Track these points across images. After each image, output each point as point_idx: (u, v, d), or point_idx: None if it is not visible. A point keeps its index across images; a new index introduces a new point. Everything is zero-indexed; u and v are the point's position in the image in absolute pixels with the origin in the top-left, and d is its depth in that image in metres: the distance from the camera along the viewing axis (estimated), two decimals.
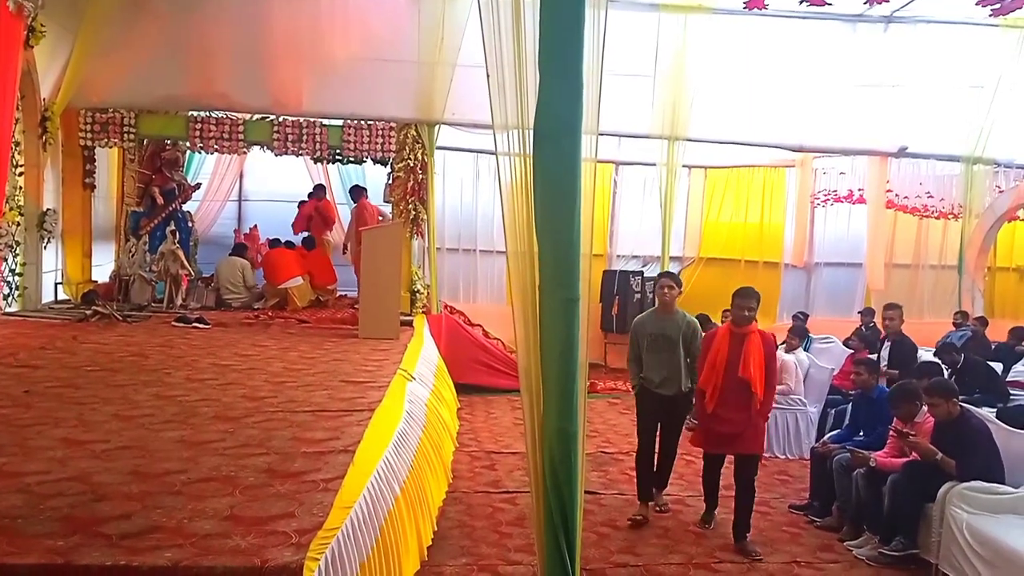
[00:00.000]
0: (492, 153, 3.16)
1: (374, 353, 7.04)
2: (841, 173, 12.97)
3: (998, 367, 8.75)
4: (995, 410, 7.21)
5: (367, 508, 3.31)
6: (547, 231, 2.94)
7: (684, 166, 11.86)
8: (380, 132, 9.95)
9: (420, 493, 4.47)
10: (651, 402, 5.86)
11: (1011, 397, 8.05)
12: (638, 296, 12.19)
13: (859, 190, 12.76)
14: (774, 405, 7.70)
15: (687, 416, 6.31)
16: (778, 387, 7.82)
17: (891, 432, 5.61)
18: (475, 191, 12.38)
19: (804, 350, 9.51)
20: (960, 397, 5.41)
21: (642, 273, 12.48)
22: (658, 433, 6.01)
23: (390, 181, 10.45)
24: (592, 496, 6.27)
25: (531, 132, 2.96)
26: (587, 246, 3.07)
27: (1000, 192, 12.17)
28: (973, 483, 4.90)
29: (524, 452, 3.40)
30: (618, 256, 13.16)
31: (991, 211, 11.97)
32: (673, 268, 12.74)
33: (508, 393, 9.70)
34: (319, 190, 12.21)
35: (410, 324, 8.92)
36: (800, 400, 8.03)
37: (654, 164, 11.36)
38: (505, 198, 3.10)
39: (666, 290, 5.76)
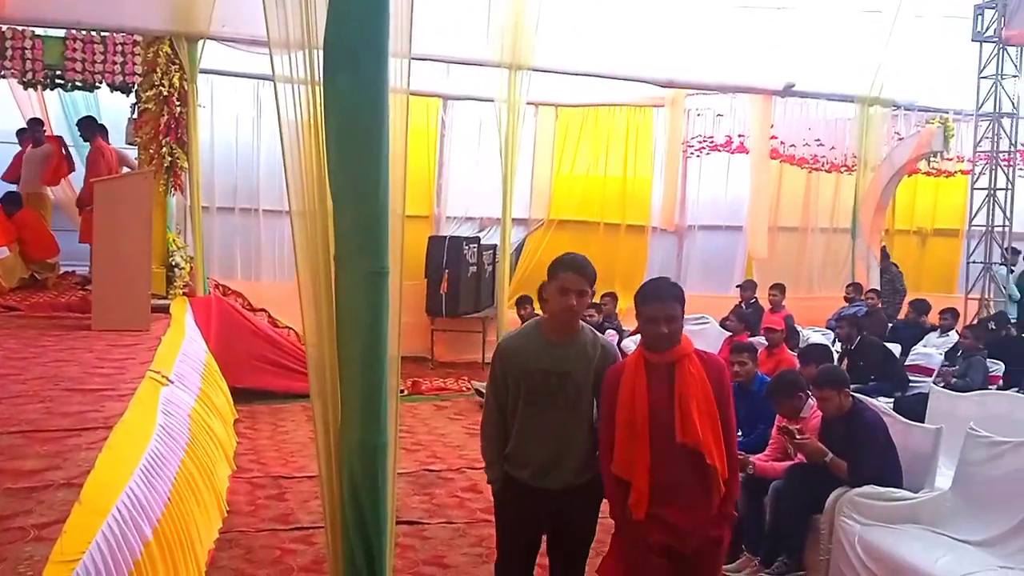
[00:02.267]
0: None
1: (113, 350, 6.75)
2: (718, 115, 13.64)
3: (896, 349, 9.59)
4: (892, 400, 7.94)
5: (101, 561, 3.15)
6: (344, 183, 2.90)
7: (529, 103, 12.06)
8: (120, 48, 9.45)
9: (182, 535, 4.33)
10: (527, 507, 4.01)
11: (910, 384, 8.86)
12: (474, 269, 12.34)
13: (739, 136, 13.49)
14: None
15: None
16: None
17: (774, 431, 5.99)
18: (256, 131, 12.01)
19: None
20: (852, 386, 5.85)
21: (478, 240, 12.64)
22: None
23: (135, 115, 9.98)
24: (412, 527, 6.30)
25: (320, 52, 2.91)
26: (399, 203, 3.06)
27: (899, 140, 13.28)
28: (866, 488, 5.31)
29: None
30: (448, 218, 13.25)
31: (889, 162, 13.04)
32: (518, 233, 13.01)
33: (304, 399, 9.51)
34: (34, 126, 11.40)
35: (166, 310, 8.64)
36: None
37: (491, 100, 11.48)
38: (287, 140, 3.03)
39: (573, 297, 3.84)
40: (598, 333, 4.16)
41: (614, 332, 9.58)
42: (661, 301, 3.82)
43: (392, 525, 3.05)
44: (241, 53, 10.34)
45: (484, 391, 9.52)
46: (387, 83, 2.93)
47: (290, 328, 10.60)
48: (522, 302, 10.28)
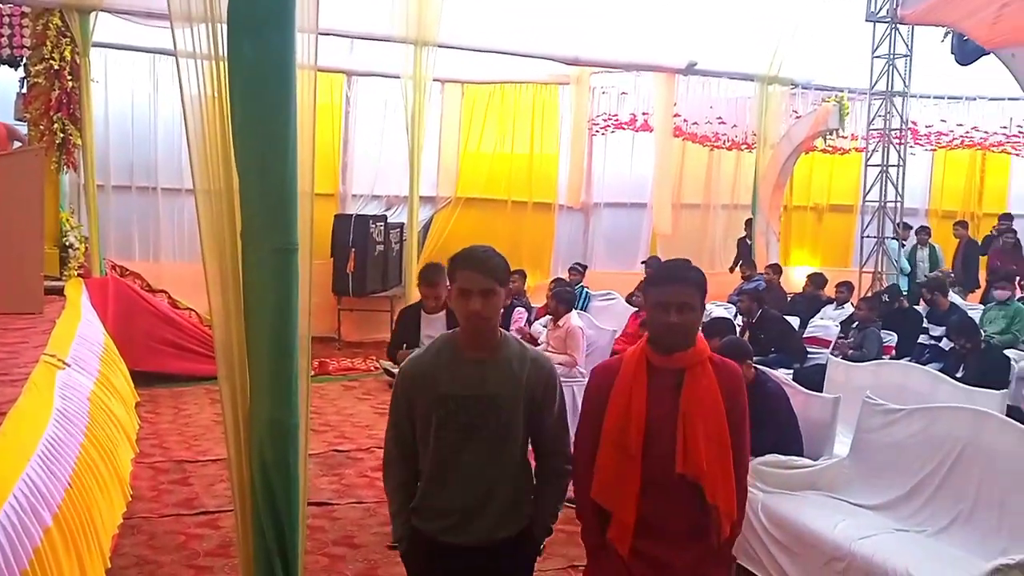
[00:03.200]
0: (173, 54, 2.98)
1: (5, 334, 6.57)
2: (623, 93, 13.82)
3: (795, 322, 9.88)
4: (792, 371, 8.19)
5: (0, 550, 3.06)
6: (250, 159, 2.85)
7: (435, 80, 12.00)
8: (7, 20, 9.13)
9: (84, 521, 4.23)
10: (440, 570, 3.27)
11: (808, 356, 9.15)
12: (380, 248, 12.24)
13: (643, 114, 13.67)
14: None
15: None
16: (562, 357, 8.23)
17: None
18: (153, 106, 11.68)
19: (582, 309, 10.11)
20: (755, 358, 6.01)
21: (385, 218, 12.54)
22: None
23: (24, 90, 9.65)
24: (321, 508, 6.26)
25: (224, 26, 2.84)
26: (307, 180, 3.02)
27: (797, 118, 13.63)
28: (769, 457, 5.48)
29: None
30: (353, 196, 13.14)
31: (787, 140, 13.37)
32: (425, 211, 12.95)
33: (207, 381, 9.37)
34: None
35: (60, 292, 8.42)
36: (580, 371, 8.50)
37: (397, 76, 11.38)
38: (191, 116, 2.95)
39: (476, 300, 3.10)
40: (527, 345, 3.42)
41: (523, 310, 9.61)
42: (675, 283, 3.08)
43: (303, 507, 3.02)
44: (136, 26, 10.06)
45: (392, 370, 9.49)
46: (294, 57, 2.88)
47: (191, 310, 10.39)
48: None
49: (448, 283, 3.47)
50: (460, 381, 3.15)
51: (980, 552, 4.45)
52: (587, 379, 3.36)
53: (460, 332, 3.25)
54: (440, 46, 11.13)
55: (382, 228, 12.33)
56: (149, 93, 11.70)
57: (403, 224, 12.37)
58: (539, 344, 8.74)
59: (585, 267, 11.81)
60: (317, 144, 3.14)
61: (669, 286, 3.08)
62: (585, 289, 11.11)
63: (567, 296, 8.45)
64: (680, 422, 3.04)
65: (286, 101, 2.84)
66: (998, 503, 4.68)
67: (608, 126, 13.94)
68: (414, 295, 11.27)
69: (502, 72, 13.12)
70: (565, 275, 11.37)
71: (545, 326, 8.73)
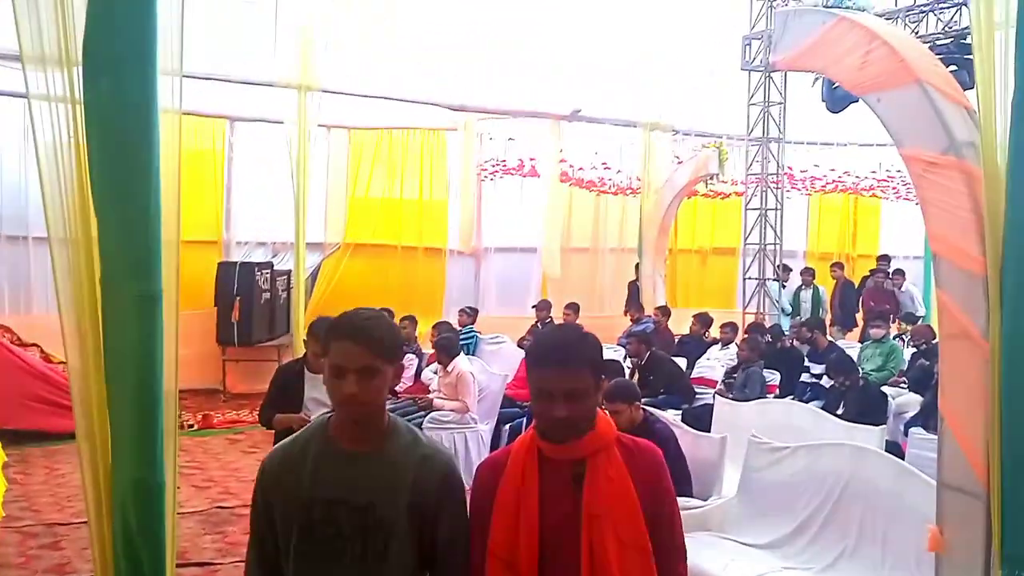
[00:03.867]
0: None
1: None
2: (510, 139, 13.90)
3: (682, 363, 10.00)
4: (680, 412, 8.26)
5: None
6: (110, 206, 2.71)
7: (320, 125, 11.86)
8: None
9: None
10: None
11: (696, 396, 9.25)
12: (267, 296, 11.94)
13: (531, 160, 13.78)
14: (444, 424, 8.08)
15: None
16: (454, 404, 8.14)
17: None
18: (24, 152, 11.19)
19: (471, 354, 10.04)
20: (643, 399, 6.03)
21: (271, 265, 12.25)
22: None
23: None
24: (203, 568, 5.99)
25: (80, 69, 2.70)
26: (173, 227, 2.88)
27: (679, 163, 13.93)
28: None
29: None
30: (238, 243, 12.80)
31: (670, 185, 13.65)
32: (313, 257, 12.73)
33: None
34: None
35: None
36: (472, 418, 8.42)
37: (282, 122, 11.20)
38: (44, 162, 2.79)
39: (352, 381, 2.45)
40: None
41: (413, 356, 9.48)
42: (560, 367, 2.38)
43: (172, 569, 2.84)
44: (5, 69, 9.64)
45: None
46: (155, 100, 2.75)
47: (64, 363, 9.90)
48: None
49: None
50: (328, 482, 2.46)
51: None
52: (472, 479, 2.70)
53: (334, 418, 2.55)
54: (324, 91, 11.02)
55: (268, 275, 12.03)
56: (18, 139, 11.20)
57: (290, 271, 12.10)
58: (431, 392, 8.65)
59: (475, 310, 11.76)
60: (198, 190, 3.02)
61: (552, 370, 2.38)
62: (475, 333, 11.05)
63: (446, 343, 8.44)
64: (584, 527, 2.38)
65: (148, 145, 2.71)
66: (881, 537, 4.77)
67: (496, 171, 13.99)
68: (302, 344, 11.08)
69: (389, 118, 13.07)
70: (456, 319, 11.30)
71: (436, 372, 8.64)
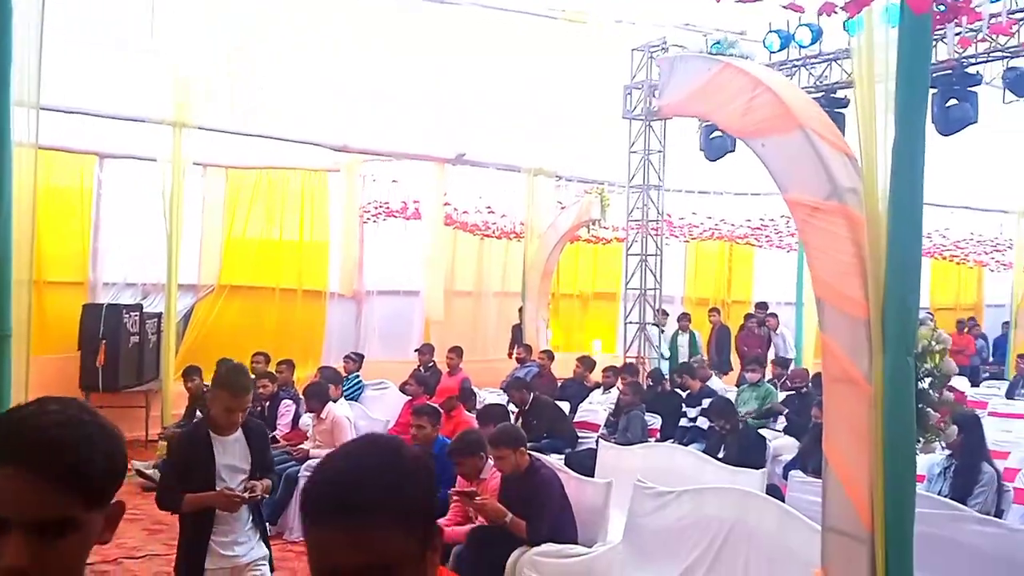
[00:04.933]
0: None
1: None
2: (393, 181, 13.77)
3: (565, 407, 9.95)
4: (563, 456, 8.19)
5: None
6: None
7: (196, 164, 11.50)
8: None
9: None
10: None
11: (579, 440, 9.20)
12: (135, 340, 11.40)
13: (414, 202, 13.66)
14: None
15: None
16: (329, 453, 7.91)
17: (453, 493, 5.92)
18: None
19: (356, 400, 9.80)
20: (527, 444, 5.93)
21: (140, 308, 11.72)
22: None
23: None
24: None
25: None
26: (25, 266, 2.66)
27: (562, 208, 14.03)
28: (544, 547, 5.37)
29: None
30: (105, 284, 12.22)
31: (553, 230, 13.73)
32: (185, 300, 12.27)
33: None
34: None
35: None
36: None
37: (154, 160, 10.81)
38: None
39: (13, 537, 1.37)
40: None
41: (291, 403, 9.15)
42: (346, 527, 1.39)
43: None
44: None
45: (146, 472, 8.71)
46: (8, 134, 2.54)
47: None
48: (190, 373, 9.63)
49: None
50: None
51: None
52: None
53: None
54: (200, 128, 10.70)
55: (137, 318, 11.49)
56: None
57: (161, 314, 11.60)
58: (307, 439, 8.37)
59: (361, 356, 11.50)
60: (62, 229, 2.79)
61: (332, 532, 1.40)
62: (359, 379, 10.80)
63: (315, 391, 8.27)
64: None
65: None
66: None
67: (379, 214, 13.83)
68: (173, 390, 10.61)
69: (268, 157, 12.79)
70: (339, 364, 11.00)
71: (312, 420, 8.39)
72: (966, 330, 16.45)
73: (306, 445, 8.27)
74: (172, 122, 10.50)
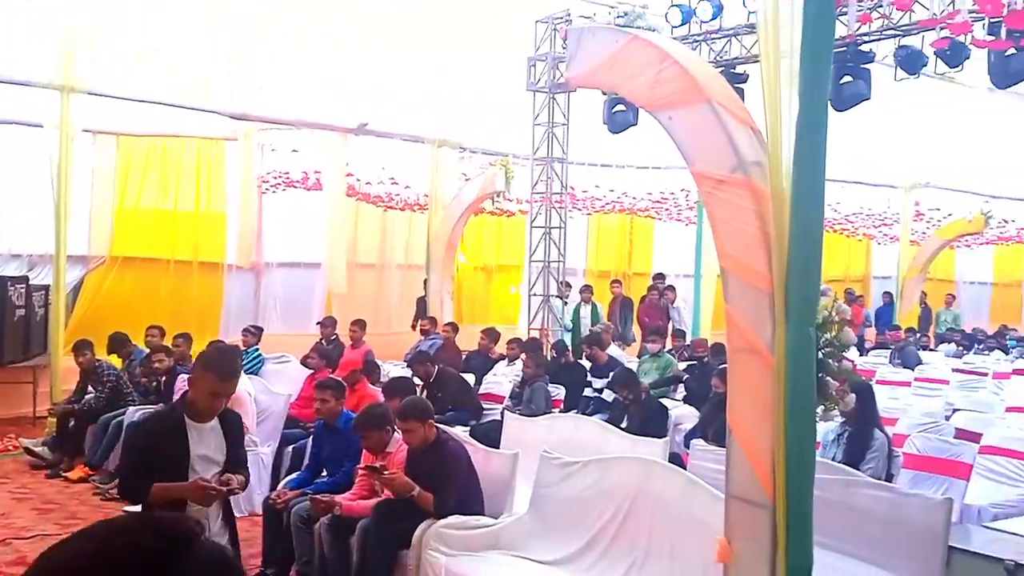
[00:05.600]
0: None
1: None
2: (294, 151, 13.50)
3: (470, 379, 9.96)
4: (468, 428, 8.20)
5: None
6: None
7: (86, 131, 11.08)
8: None
9: None
10: None
11: (484, 412, 9.23)
12: (21, 313, 10.96)
13: (316, 173, 13.43)
14: None
15: None
16: None
17: (359, 468, 5.88)
18: None
19: (255, 374, 9.63)
20: (434, 417, 5.92)
21: (27, 280, 11.26)
22: None
23: None
24: None
25: None
26: None
27: (467, 180, 13.97)
28: (451, 519, 5.37)
29: None
30: None
31: (458, 202, 13.66)
32: (75, 271, 11.86)
33: None
34: None
35: None
36: (251, 439, 8.02)
37: (41, 126, 10.36)
38: None
39: None
40: None
41: (188, 376, 8.93)
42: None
43: None
44: None
45: (34, 449, 8.42)
46: None
47: None
48: (81, 348, 9.30)
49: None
50: None
51: None
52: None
53: None
54: (90, 94, 10.29)
55: (23, 290, 11.05)
56: None
57: (48, 286, 11.17)
58: None
59: (260, 329, 11.26)
60: None
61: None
62: (259, 353, 10.60)
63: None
64: None
65: None
66: (669, 549, 4.85)
67: (279, 184, 13.55)
68: (63, 365, 10.23)
69: (163, 125, 12.37)
70: (238, 338, 10.77)
71: None
72: (854, 301, 17.04)
73: None
74: (59, 86, 10.06)
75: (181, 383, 8.64)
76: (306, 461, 7.02)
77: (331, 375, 8.09)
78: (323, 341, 11.22)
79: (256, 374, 9.72)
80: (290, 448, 8.13)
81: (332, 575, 5.61)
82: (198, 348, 10.04)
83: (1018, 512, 6.28)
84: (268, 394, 8.50)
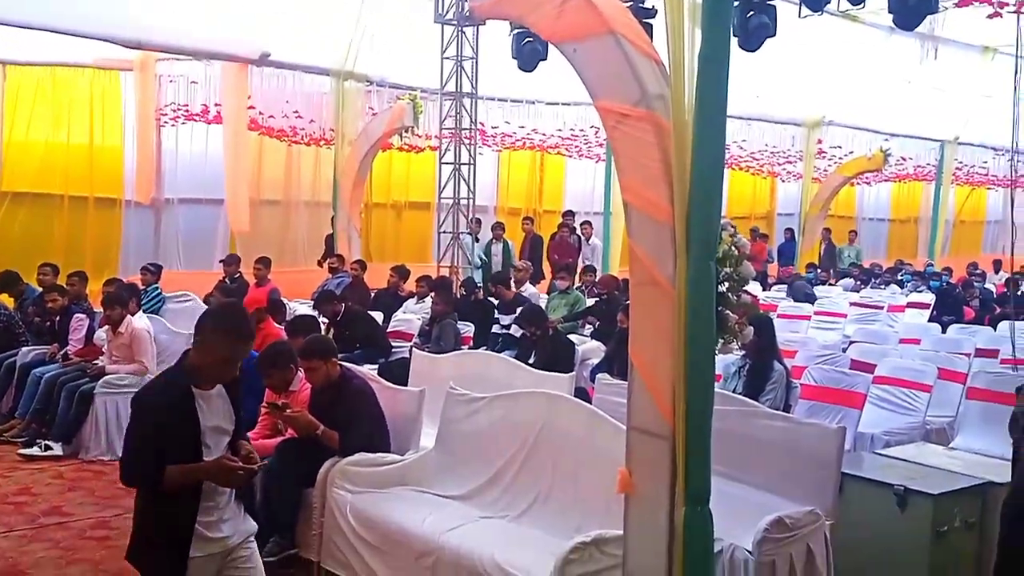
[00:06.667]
0: None
1: None
2: (193, 82, 13.10)
3: (379, 317, 9.91)
4: (377, 366, 8.16)
5: None
6: None
7: None
8: None
9: None
10: None
11: (393, 350, 9.20)
12: None
13: (216, 105, 13.05)
14: (121, 388, 7.52)
15: None
16: (130, 367, 7.64)
17: (262, 407, 5.80)
18: None
19: (156, 313, 9.42)
20: (340, 355, 5.86)
21: None
22: None
23: None
24: None
25: None
26: None
27: (374, 115, 13.72)
28: (357, 456, 5.34)
29: None
30: None
31: (365, 137, 13.41)
32: None
33: None
34: None
35: None
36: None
37: None
38: None
39: None
40: None
41: (84, 316, 8.63)
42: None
43: None
44: None
45: None
46: None
47: None
48: None
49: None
50: None
51: (558, 531, 4.60)
52: None
53: None
54: None
55: None
56: None
57: None
58: (102, 354, 8.00)
59: (159, 267, 10.97)
60: None
61: None
62: (159, 291, 10.34)
63: (116, 298, 7.84)
64: None
65: None
66: (572, 481, 4.90)
67: (178, 117, 13.14)
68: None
69: (54, 53, 11.89)
70: (137, 276, 10.48)
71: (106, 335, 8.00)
72: (758, 238, 17.40)
73: (101, 361, 7.88)
74: None
75: (76, 322, 8.40)
76: None
77: None
78: (226, 279, 11.01)
79: (157, 313, 9.51)
80: None
81: None
82: (94, 287, 9.78)
83: (908, 439, 6.56)
84: (169, 333, 8.36)
